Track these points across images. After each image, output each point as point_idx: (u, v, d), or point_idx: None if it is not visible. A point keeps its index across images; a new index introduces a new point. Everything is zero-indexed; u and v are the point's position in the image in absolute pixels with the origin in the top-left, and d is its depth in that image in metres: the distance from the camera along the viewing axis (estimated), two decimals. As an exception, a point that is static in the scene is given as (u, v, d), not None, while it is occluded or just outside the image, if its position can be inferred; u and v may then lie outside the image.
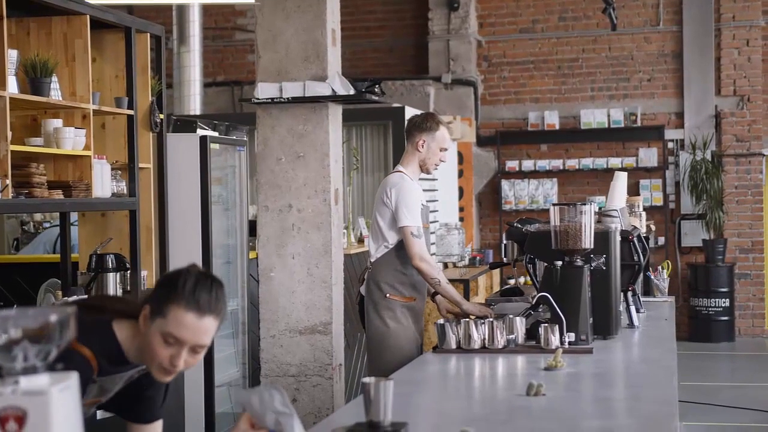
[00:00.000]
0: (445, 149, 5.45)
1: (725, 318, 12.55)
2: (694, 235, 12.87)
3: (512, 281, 12.14)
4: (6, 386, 1.77)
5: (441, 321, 4.46)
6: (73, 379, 1.83)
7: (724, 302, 12.52)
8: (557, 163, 13.09)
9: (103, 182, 5.43)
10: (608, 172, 12.84)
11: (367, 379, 2.78)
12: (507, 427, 3.00)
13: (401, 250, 5.28)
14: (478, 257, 11.15)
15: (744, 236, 12.90)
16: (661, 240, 12.84)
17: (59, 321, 1.80)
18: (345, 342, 6.56)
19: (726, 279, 12.57)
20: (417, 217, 5.23)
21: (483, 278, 10.22)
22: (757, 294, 12.92)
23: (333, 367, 5.85)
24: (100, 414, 4.73)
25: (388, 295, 5.31)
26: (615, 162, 12.88)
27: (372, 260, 5.41)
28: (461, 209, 12.66)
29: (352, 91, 6.00)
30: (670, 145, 13.03)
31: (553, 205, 4.58)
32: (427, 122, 5.42)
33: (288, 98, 5.94)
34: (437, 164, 5.46)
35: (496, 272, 11.51)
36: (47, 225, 9.16)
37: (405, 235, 5.21)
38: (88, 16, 5.34)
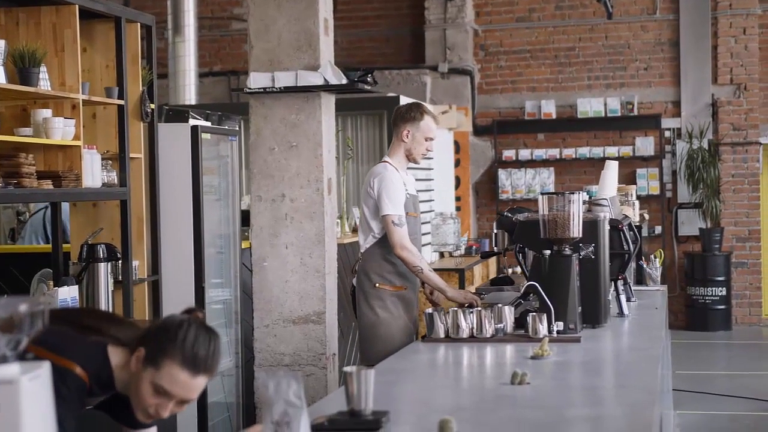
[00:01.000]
0: (431, 139, 5.46)
1: (722, 307, 12.56)
2: (690, 224, 12.87)
3: (509, 270, 12.16)
4: (-24, 376, 1.77)
5: (429, 310, 4.47)
6: (44, 368, 1.83)
7: (721, 291, 12.53)
8: (554, 153, 13.08)
9: (93, 172, 5.42)
10: (605, 162, 12.80)
11: (348, 369, 2.79)
12: (489, 416, 3.00)
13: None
14: (474, 247, 11.15)
15: (741, 225, 12.90)
16: (658, 229, 12.84)
17: (29, 311, 1.81)
18: (339, 331, 6.57)
19: (723, 268, 12.57)
20: (398, 206, 5.26)
21: (479, 268, 10.22)
22: (754, 283, 12.92)
23: (326, 357, 5.86)
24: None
25: (377, 284, 5.34)
26: (612, 151, 12.87)
27: (361, 251, 5.46)
28: (458, 198, 12.67)
29: (344, 81, 5.99)
30: (667, 134, 13.02)
31: (542, 194, 4.59)
32: (411, 112, 5.44)
33: (280, 88, 5.93)
34: (424, 154, 5.48)
35: (493, 261, 11.52)
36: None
37: (386, 223, 5.25)
38: (77, 6, 5.33)
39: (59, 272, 5.71)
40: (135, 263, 5.89)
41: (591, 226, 4.65)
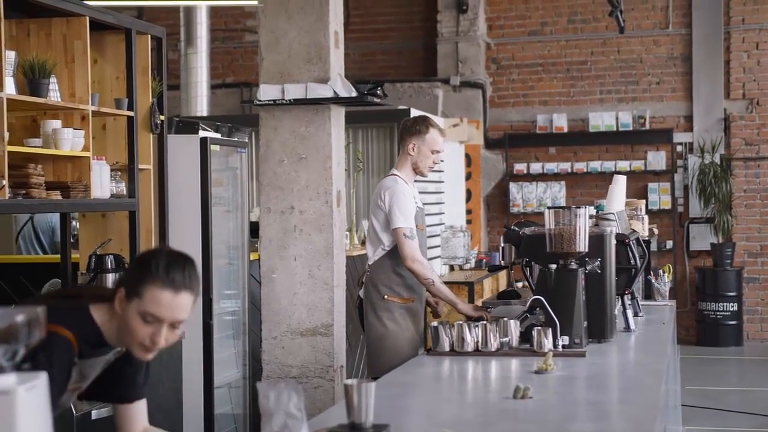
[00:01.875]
0: (437, 151, 5.48)
1: (733, 322, 12.51)
2: (702, 238, 12.83)
3: (520, 284, 12.14)
4: (-28, 386, 1.78)
5: (435, 323, 4.47)
6: (40, 378, 1.84)
7: (732, 306, 12.48)
8: (565, 166, 13.07)
9: (102, 183, 5.45)
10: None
11: (348, 381, 2.80)
12: (489, 429, 3.00)
13: (398, 251, 5.31)
14: (484, 260, 11.14)
15: (752, 240, 12.86)
16: (669, 244, 12.80)
17: (26, 321, 1.82)
18: (347, 344, 6.57)
19: (734, 283, 12.52)
20: (410, 218, 5.28)
21: (488, 281, 10.21)
22: (766, 298, 12.87)
23: (334, 369, 5.85)
24: (95, 414, 4.77)
25: (385, 296, 5.36)
26: (623, 165, 12.85)
27: (369, 263, 5.48)
28: (469, 212, 12.66)
29: (353, 93, 6.01)
30: (679, 148, 12.99)
31: (548, 208, 4.58)
32: (416, 125, 5.48)
33: (290, 100, 5.95)
34: (431, 167, 5.51)
35: (503, 275, 11.50)
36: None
37: (398, 236, 5.27)
38: (87, 18, 5.36)
39: (68, 282, 5.73)
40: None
41: (597, 241, 4.64)
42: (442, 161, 5.79)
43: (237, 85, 13.64)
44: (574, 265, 4.51)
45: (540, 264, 4.65)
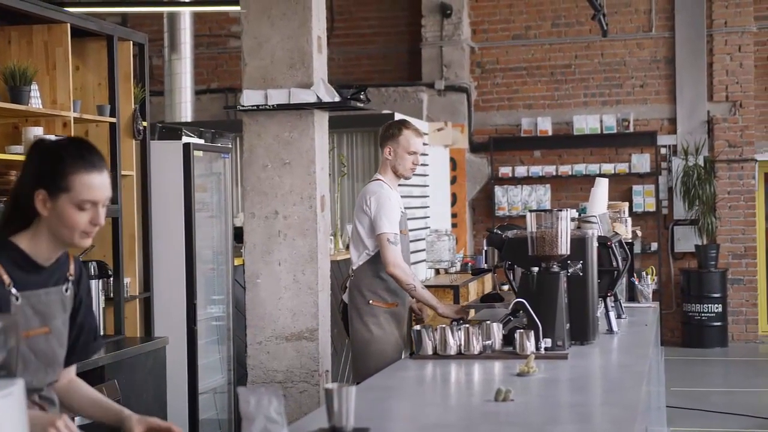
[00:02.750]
0: (414, 152, 5.52)
1: (718, 323, 12.56)
2: (686, 240, 12.87)
3: (506, 287, 12.15)
4: (-52, 393, 1.78)
5: (417, 327, 4.47)
6: (17, 385, 1.85)
7: (717, 308, 12.52)
8: (550, 169, 13.11)
9: (85, 190, 5.44)
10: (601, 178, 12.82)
11: (329, 385, 2.81)
12: (469, 432, 3.01)
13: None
14: (470, 263, 11.16)
15: (737, 242, 12.91)
16: (654, 246, 12.84)
17: (2, 328, 1.82)
18: (332, 348, 6.57)
19: (719, 284, 12.57)
20: (394, 224, 5.32)
21: (473, 284, 10.22)
22: (750, 299, 12.92)
23: (319, 374, 5.86)
24: (77, 420, 4.75)
25: (370, 301, 5.39)
26: (608, 168, 12.89)
27: (354, 267, 5.50)
28: (454, 215, 12.68)
29: (337, 98, 6.02)
30: (663, 150, 13.04)
31: (530, 211, 4.60)
32: (390, 129, 5.57)
33: (273, 105, 5.95)
34: (412, 168, 5.54)
35: (488, 278, 11.52)
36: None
37: (381, 241, 5.30)
38: (68, 25, 5.37)
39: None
40: (127, 280, 5.91)
41: (579, 243, 4.66)
42: (425, 164, 5.81)
43: (221, 90, 13.64)
44: (556, 268, 4.52)
45: (522, 267, 4.66)
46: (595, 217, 5.26)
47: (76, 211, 2.73)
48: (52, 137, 2.86)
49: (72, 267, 2.91)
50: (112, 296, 5.76)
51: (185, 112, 10.59)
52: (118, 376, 5.36)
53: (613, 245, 5.11)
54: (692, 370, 11.18)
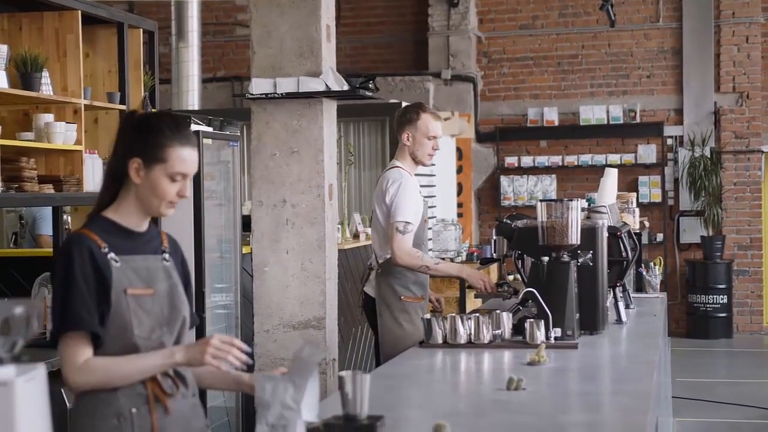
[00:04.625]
0: (433, 137, 5.37)
1: (723, 314, 12.56)
2: (692, 231, 12.87)
3: (511, 277, 12.15)
4: (-29, 377, 1.79)
5: (428, 316, 4.48)
6: (39, 370, 1.85)
7: (722, 299, 12.53)
8: (556, 160, 13.11)
9: (95, 177, 5.45)
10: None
11: (343, 373, 2.81)
12: (483, 420, 3.02)
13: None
14: (476, 253, 11.15)
15: (742, 233, 12.91)
16: (660, 236, 12.84)
17: (25, 314, 1.83)
18: (339, 337, 6.58)
19: (724, 275, 12.57)
20: (408, 214, 5.19)
21: (479, 273, 10.22)
22: (755, 291, 12.92)
23: (326, 362, 5.86)
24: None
25: (402, 297, 5.26)
26: (614, 158, 12.89)
27: (380, 261, 5.32)
28: (460, 205, 12.68)
29: (345, 87, 6.01)
30: (669, 141, 13.03)
31: (540, 200, 4.59)
32: (407, 114, 5.39)
33: (282, 94, 5.95)
34: (431, 154, 5.38)
35: (494, 268, 11.52)
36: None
37: (391, 231, 5.20)
38: (79, 12, 5.37)
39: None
40: (135, 267, 5.91)
41: (589, 233, 4.66)
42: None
43: (228, 78, 13.64)
44: (566, 258, 4.52)
45: (532, 256, 4.66)
46: (605, 206, 5.26)
47: (168, 182, 2.87)
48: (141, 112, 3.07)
49: (166, 240, 3.04)
50: (121, 283, 5.76)
51: (192, 100, 10.58)
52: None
53: (622, 235, 5.12)
54: (697, 361, 11.19)
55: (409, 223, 5.20)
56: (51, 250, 6.12)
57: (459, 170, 12.68)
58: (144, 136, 2.89)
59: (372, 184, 10.42)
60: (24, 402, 1.79)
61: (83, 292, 2.79)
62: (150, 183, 2.86)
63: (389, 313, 5.28)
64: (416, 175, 5.54)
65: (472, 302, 9.03)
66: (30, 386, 1.82)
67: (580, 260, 4.59)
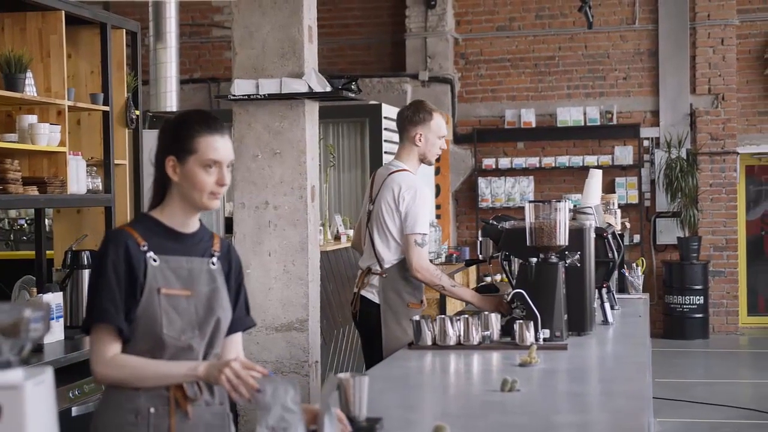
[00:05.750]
0: (443, 136, 5.24)
1: (699, 315, 12.64)
2: (669, 232, 12.94)
3: (488, 278, 12.19)
4: (-20, 381, 1.76)
5: (416, 317, 4.46)
6: (47, 374, 1.83)
7: (699, 299, 12.60)
8: (534, 161, 13.14)
9: (79, 178, 5.41)
10: (584, 170, 12.83)
11: (342, 375, 2.80)
12: (480, 422, 3.01)
13: None
14: (455, 254, 11.18)
15: (718, 234, 12.99)
16: (636, 238, 12.91)
17: (33, 316, 1.80)
18: (321, 339, 6.56)
19: (700, 276, 12.65)
20: (425, 225, 5.03)
21: (459, 276, 10.24)
22: (731, 291, 13.01)
23: (309, 364, 5.86)
24: (75, 411, 4.73)
25: (409, 304, 5.12)
26: (591, 160, 12.94)
27: (385, 265, 5.13)
28: (438, 207, 12.70)
29: (328, 88, 6.00)
30: (646, 143, 13.10)
31: (529, 202, 4.60)
32: (419, 113, 5.17)
33: (264, 95, 5.93)
34: (438, 153, 5.26)
35: (473, 269, 11.55)
36: (22, 221, 9.12)
37: (408, 241, 5.00)
38: (63, 12, 5.32)
39: (43, 279, 5.68)
40: (119, 270, 5.86)
41: (577, 234, 4.67)
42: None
43: (204, 80, 13.59)
44: (554, 259, 4.53)
45: (520, 258, 4.66)
46: (591, 208, 5.28)
47: (203, 172, 2.90)
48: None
49: (217, 244, 3.07)
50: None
51: (171, 102, 10.52)
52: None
53: (608, 236, 5.13)
54: (674, 362, 11.25)
55: (425, 234, 5.03)
56: (32, 253, 6.06)
57: (437, 172, 12.69)
58: (173, 133, 2.96)
59: (351, 185, 10.40)
60: (33, 405, 1.77)
61: (112, 287, 2.84)
62: (187, 177, 2.91)
63: (395, 320, 5.10)
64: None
65: (452, 304, 9.04)
66: (39, 390, 1.79)
67: (568, 261, 4.60)
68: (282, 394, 2.65)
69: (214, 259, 3.03)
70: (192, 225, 3.02)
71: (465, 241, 13.30)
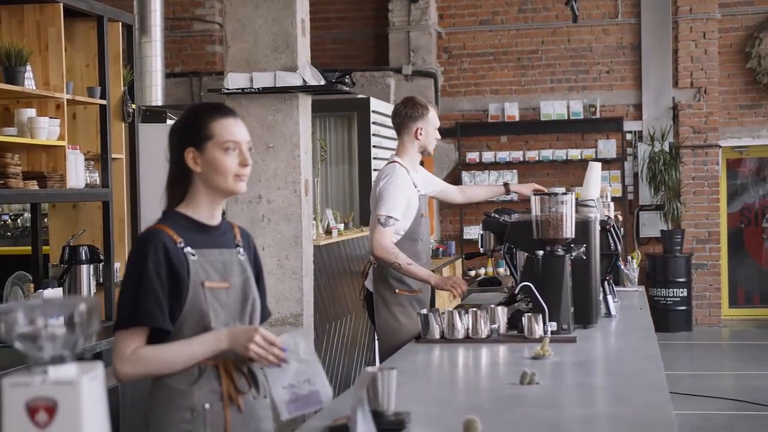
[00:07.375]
0: (438, 127, 5.54)
1: (683, 308, 12.70)
2: (652, 225, 12.99)
3: (482, 271, 12.21)
4: (35, 376, 1.74)
5: (424, 311, 4.45)
6: (99, 369, 1.81)
7: (682, 292, 12.66)
8: (517, 155, 13.15)
9: (77, 173, 5.36)
10: (567, 164, 12.94)
11: (370, 369, 2.78)
12: (507, 415, 3.00)
13: (406, 242, 5.22)
14: (441, 249, 11.18)
15: (701, 227, 13.05)
16: (621, 231, 12.93)
17: (87, 310, 1.78)
18: (315, 333, 6.54)
19: (683, 269, 12.71)
20: (393, 208, 5.17)
21: (446, 270, 10.24)
22: (714, 284, 13.08)
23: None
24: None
25: (397, 290, 5.26)
26: (574, 153, 12.96)
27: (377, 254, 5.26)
28: (422, 201, 12.67)
29: (322, 82, 5.99)
30: (629, 136, 13.14)
31: (535, 194, 4.59)
32: (417, 109, 5.41)
33: (258, 89, 5.90)
34: (435, 143, 5.53)
35: (458, 263, 11.55)
36: (6, 217, 9.03)
37: (372, 221, 5.20)
38: (61, 5, 5.26)
39: (39, 275, 5.62)
40: (117, 265, 5.82)
41: (582, 227, 4.67)
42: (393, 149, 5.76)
43: (187, 74, 13.49)
44: (560, 252, 4.53)
45: (526, 251, 4.65)
46: (593, 200, 5.28)
47: (224, 155, 2.89)
48: None
49: (239, 234, 3.06)
50: (102, 281, 5.67)
51: (156, 96, 10.45)
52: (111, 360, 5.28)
53: (611, 228, 5.14)
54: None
55: (390, 217, 5.16)
56: (19, 249, 6.01)
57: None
58: (187, 126, 2.95)
59: (339, 179, 10.37)
60: (89, 400, 1.75)
61: (155, 289, 2.81)
62: (209, 164, 2.90)
63: (385, 307, 5.28)
64: (376, 170, 5.51)
65: (442, 299, 9.03)
66: (93, 385, 1.77)
67: (574, 254, 4.60)
68: (293, 348, 2.66)
69: (241, 249, 3.03)
70: (217, 217, 3.00)
71: (449, 235, 13.29)
